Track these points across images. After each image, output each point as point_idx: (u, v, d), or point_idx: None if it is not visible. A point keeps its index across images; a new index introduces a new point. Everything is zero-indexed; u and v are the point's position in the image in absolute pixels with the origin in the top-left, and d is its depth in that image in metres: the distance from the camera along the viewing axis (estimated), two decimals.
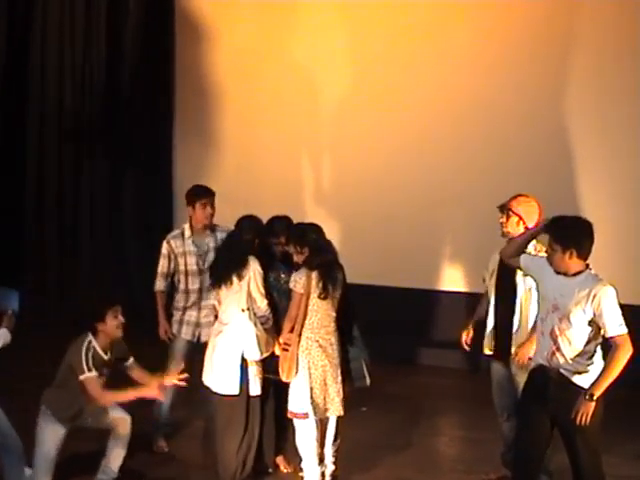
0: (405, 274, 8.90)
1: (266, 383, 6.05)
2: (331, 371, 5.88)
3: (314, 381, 5.86)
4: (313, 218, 6.40)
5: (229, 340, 5.97)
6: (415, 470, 6.46)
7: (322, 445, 6.00)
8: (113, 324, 5.74)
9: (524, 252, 5.30)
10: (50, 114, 9.98)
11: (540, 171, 8.48)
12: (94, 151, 10.00)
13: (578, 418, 4.80)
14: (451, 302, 8.83)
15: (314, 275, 5.86)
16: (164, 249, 6.67)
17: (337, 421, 6.01)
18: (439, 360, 8.84)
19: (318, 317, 5.89)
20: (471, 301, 8.54)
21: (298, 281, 5.87)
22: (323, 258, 5.91)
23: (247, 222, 6.14)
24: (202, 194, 6.65)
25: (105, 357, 5.78)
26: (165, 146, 9.97)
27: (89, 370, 5.64)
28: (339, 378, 5.91)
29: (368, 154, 9.21)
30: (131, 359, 5.94)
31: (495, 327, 5.99)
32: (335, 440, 6.04)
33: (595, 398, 4.80)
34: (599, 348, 4.98)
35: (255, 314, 5.97)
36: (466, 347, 6.24)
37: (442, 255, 8.94)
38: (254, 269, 5.95)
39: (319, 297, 5.86)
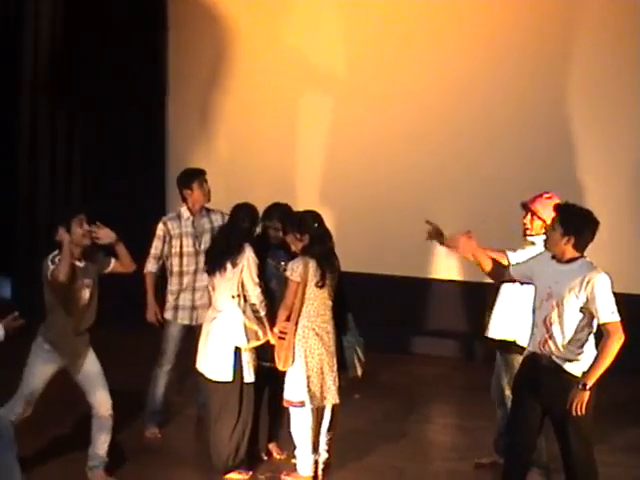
0: (398, 262, 8.88)
1: (261, 370, 6.05)
2: (327, 359, 5.89)
3: (311, 369, 5.87)
4: (306, 206, 6.37)
5: (222, 327, 5.98)
6: (408, 458, 6.47)
7: (317, 434, 6.01)
8: (79, 232, 5.70)
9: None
10: (41, 109, 9.90)
11: (533, 159, 8.49)
12: (86, 138, 9.93)
13: (573, 408, 4.81)
14: (444, 291, 8.84)
15: (312, 263, 5.86)
16: (159, 230, 6.65)
17: (333, 410, 6.02)
18: (432, 348, 8.85)
19: (315, 305, 5.89)
20: (465, 290, 8.62)
21: (295, 269, 5.86)
22: (323, 246, 5.92)
23: (243, 210, 6.13)
24: (198, 173, 6.69)
25: (80, 264, 5.74)
26: (158, 134, 9.93)
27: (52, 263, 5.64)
28: (335, 367, 5.92)
29: (361, 142, 9.17)
30: (112, 262, 5.94)
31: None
32: (330, 429, 6.04)
33: (588, 387, 4.81)
34: (592, 336, 4.99)
35: (246, 301, 5.97)
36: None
37: (435, 244, 8.90)
38: (248, 257, 5.95)
39: (316, 285, 5.85)
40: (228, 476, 6.04)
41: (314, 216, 6.01)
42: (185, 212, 6.66)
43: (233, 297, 5.97)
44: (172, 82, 9.88)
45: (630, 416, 7.28)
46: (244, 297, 5.99)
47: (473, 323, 7.82)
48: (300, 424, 5.95)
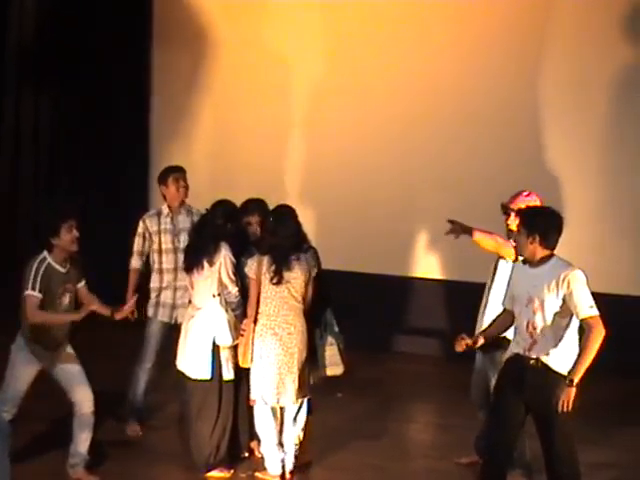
0: (381, 261, 8.91)
1: (239, 368, 6.05)
2: (286, 360, 5.83)
3: (265, 369, 5.85)
4: (289, 203, 6.36)
5: (201, 325, 5.98)
6: (388, 456, 6.49)
7: (280, 432, 6.00)
8: (67, 238, 5.68)
9: None
10: (26, 114, 9.86)
11: (519, 157, 8.53)
12: (70, 135, 9.89)
13: (560, 405, 4.83)
14: (426, 289, 8.87)
15: (265, 260, 5.85)
16: (139, 228, 6.70)
17: (299, 408, 5.98)
18: (414, 347, 8.88)
19: (274, 304, 5.85)
20: (448, 289, 8.66)
21: (250, 266, 5.87)
22: (274, 242, 5.85)
23: (220, 207, 6.12)
24: (173, 170, 6.74)
25: (63, 270, 5.74)
26: (142, 131, 9.91)
27: (32, 288, 5.61)
28: (295, 368, 5.84)
29: (344, 139, 9.18)
30: (83, 282, 5.92)
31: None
32: (296, 426, 6.00)
33: (575, 384, 4.84)
34: (575, 334, 5.02)
35: (226, 300, 5.97)
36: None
37: (418, 242, 8.95)
38: (225, 255, 5.93)
39: (271, 282, 5.82)
40: (210, 474, 6.04)
41: (280, 211, 5.98)
42: (165, 209, 6.71)
43: (214, 296, 5.97)
44: (156, 80, 9.88)
45: (615, 416, 7.32)
46: (224, 295, 5.99)
47: (454, 321, 7.86)
48: (260, 422, 5.97)
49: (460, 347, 5.24)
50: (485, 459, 5.40)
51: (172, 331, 6.56)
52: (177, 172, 6.70)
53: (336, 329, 6.17)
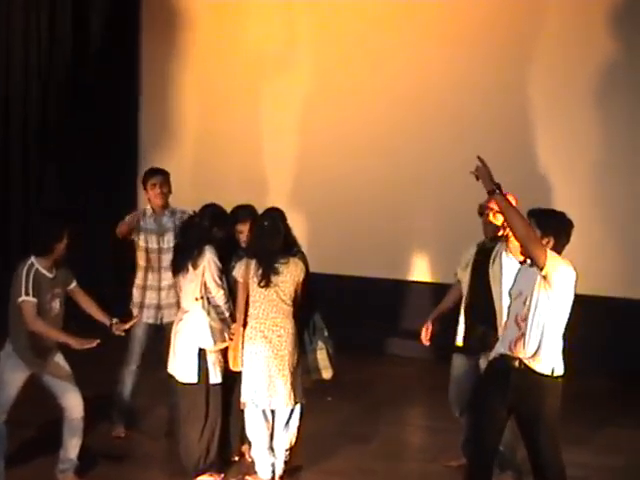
0: (371, 264, 8.92)
1: (230, 372, 6.03)
2: (276, 362, 5.82)
3: (255, 371, 5.84)
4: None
5: (187, 329, 5.98)
6: (378, 459, 6.49)
7: (271, 436, 5.99)
8: (65, 244, 5.72)
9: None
10: (15, 112, 9.83)
11: (505, 158, 8.52)
12: (59, 143, 9.88)
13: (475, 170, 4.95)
14: (416, 292, 8.87)
15: (253, 263, 5.85)
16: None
17: (291, 413, 5.97)
18: (404, 350, 8.86)
19: (263, 307, 5.85)
20: (436, 291, 8.63)
21: (238, 269, 5.87)
22: (261, 245, 5.85)
23: (207, 210, 6.12)
24: (151, 174, 6.76)
25: (50, 275, 5.73)
26: (130, 135, 9.91)
27: (26, 294, 5.60)
28: (286, 370, 5.83)
29: (333, 144, 9.21)
30: (74, 283, 5.91)
31: (468, 320, 6.00)
32: (288, 431, 5.99)
33: (495, 193, 4.90)
34: (560, 337, 5.02)
35: (210, 303, 5.97)
36: (425, 342, 6.20)
37: (408, 245, 8.96)
38: (209, 259, 5.92)
39: (259, 285, 5.82)
40: (199, 478, 6.01)
41: (271, 214, 5.97)
42: (148, 210, 6.75)
43: (197, 299, 5.96)
44: (145, 81, 9.93)
45: (596, 415, 7.35)
46: (208, 299, 5.98)
47: (445, 324, 7.85)
48: (250, 425, 5.96)
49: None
50: (469, 462, 5.40)
51: (158, 332, 6.59)
52: (155, 177, 6.71)
53: (325, 333, 6.15)
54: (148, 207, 6.76)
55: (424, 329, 6.20)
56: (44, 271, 5.71)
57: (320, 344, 6.10)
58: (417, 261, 8.85)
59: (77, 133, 9.78)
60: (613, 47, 8.31)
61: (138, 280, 6.73)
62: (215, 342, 5.95)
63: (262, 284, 5.81)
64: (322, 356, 6.10)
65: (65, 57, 9.85)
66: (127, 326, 5.94)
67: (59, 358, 5.83)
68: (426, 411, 7.75)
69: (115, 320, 5.86)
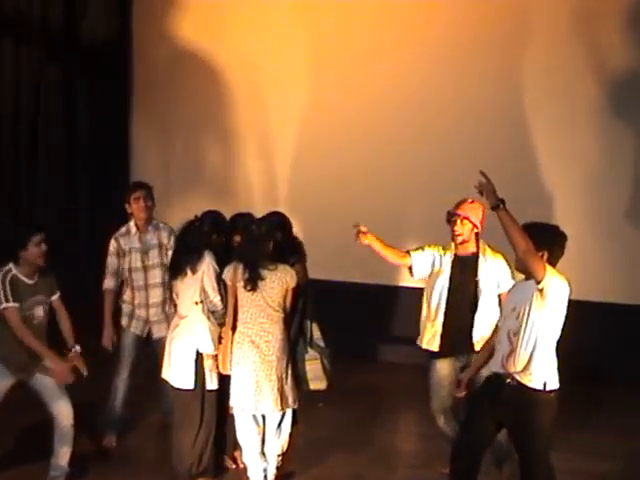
0: (366, 270, 8.89)
1: (226, 378, 6.01)
2: (263, 367, 5.81)
3: (243, 376, 5.84)
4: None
5: (184, 334, 5.97)
6: (370, 466, 6.48)
7: (263, 441, 5.98)
8: (35, 251, 5.68)
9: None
10: (5, 115, 9.81)
11: (502, 166, 8.51)
12: (49, 148, 9.86)
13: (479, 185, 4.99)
14: (410, 298, 8.81)
15: (241, 266, 5.84)
16: (112, 247, 6.69)
17: (282, 419, 5.96)
18: (398, 356, 8.85)
19: (251, 312, 5.84)
20: None
21: (226, 272, 5.88)
22: (248, 249, 5.85)
23: (208, 216, 6.12)
24: (133, 188, 6.71)
25: (30, 282, 5.73)
26: (122, 141, 9.90)
27: (7, 300, 5.60)
28: (274, 376, 5.81)
29: (328, 149, 9.21)
30: (57, 294, 5.91)
31: (446, 325, 6.03)
32: (279, 437, 5.98)
33: (500, 206, 4.90)
34: (553, 350, 5.04)
35: (209, 309, 5.96)
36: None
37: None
38: (208, 263, 5.93)
39: (245, 289, 5.81)
40: None
41: (273, 219, 6.04)
42: (132, 227, 6.69)
43: (197, 304, 5.95)
44: (136, 96, 9.94)
45: (580, 421, 7.34)
46: (207, 304, 5.97)
47: None
48: (241, 431, 5.95)
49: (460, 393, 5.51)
50: (451, 472, 5.35)
51: (145, 344, 6.60)
52: (139, 191, 6.66)
53: (322, 344, 6.14)
54: (132, 223, 6.69)
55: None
56: (24, 278, 5.71)
57: (313, 354, 6.08)
58: None
59: (69, 150, 9.76)
60: (619, 52, 8.34)
61: (126, 297, 6.73)
62: (215, 346, 5.95)
63: (248, 288, 5.81)
64: (312, 367, 6.08)
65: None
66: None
67: (47, 365, 5.79)
68: (419, 417, 7.64)
69: (75, 350, 5.86)
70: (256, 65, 9.39)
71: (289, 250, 6.13)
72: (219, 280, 5.96)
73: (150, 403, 6.77)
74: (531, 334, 4.96)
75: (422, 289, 9.00)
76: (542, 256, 4.98)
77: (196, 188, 9.22)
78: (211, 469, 6.08)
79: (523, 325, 4.96)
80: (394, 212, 8.94)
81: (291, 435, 6.03)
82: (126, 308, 6.72)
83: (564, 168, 8.54)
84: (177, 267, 6.01)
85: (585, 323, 7.46)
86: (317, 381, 6.11)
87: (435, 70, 8.82)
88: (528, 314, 4.96)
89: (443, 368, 6.06)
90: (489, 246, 6.10)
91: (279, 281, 5.84)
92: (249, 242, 5.88)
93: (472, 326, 5.97)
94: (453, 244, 6.11)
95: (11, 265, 5.73)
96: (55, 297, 5.91)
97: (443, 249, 6.16)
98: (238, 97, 9.47)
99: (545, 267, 4.91)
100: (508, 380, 5.01)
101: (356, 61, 9.07)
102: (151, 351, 6.59)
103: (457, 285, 6.03)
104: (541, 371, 4.97)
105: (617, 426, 7.32)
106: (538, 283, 4.89)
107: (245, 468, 6.09)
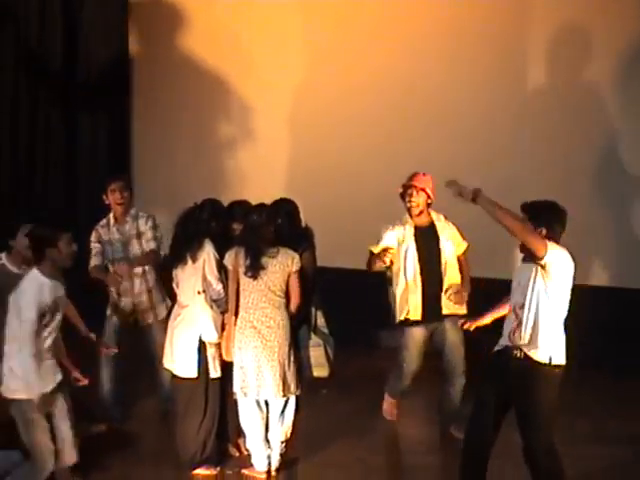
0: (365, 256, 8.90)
1: (228, 365, 6.01)
2: (265, 353, 5.81)
3: (244, 361, 5.84)
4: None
5: (186, 323, 5.96)
6: (375, 451, 6.49)
7: (266, 428, 5.99)
8: (67, 251, 5.43)
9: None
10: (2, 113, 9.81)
11: (498, 156, 8.56)
12: (49, 152, 9.85)
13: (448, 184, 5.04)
14: None
15: (242, 252, 5.84)
16: (93, 237, 6.76)
17: (285, 405, 5.97)
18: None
19: (252, 297, 5.85)
20: None
21: (227, 257, 5.88)
22: (249, 235, 5.85)
23: (207, 204, 6.12)
24: (109, 181, 6.74)
25: (50, 283, 5.42)
26: (123, 131, 9.91)
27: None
28: (275, 362, 5.81)
29: (331, 138, 9.17)
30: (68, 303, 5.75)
31: (423, 293, 6.43)
32: (283, 424, 5.99)
33: (475, 198, 4.93)
34: (560, 323, 5.06)
35: (211, 297, 5.95)
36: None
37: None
38: (209, 252, 5.92)
39: (245, 275, 5.81)
40: (196, 471, 6.03)
41: (281, 205, 6.10)
42: (111, 219, 6.73)
43: (199, 293, 5.95)
44: (136, 78, 9.93)
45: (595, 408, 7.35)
46: (209, 292, 5.96)
47: None
48: (244, 417, 5.96)
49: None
50: (463, 455, 5.35)
51: (131, 333, 6.63)
52: (115, 183, 6.69)
53: (326, 331, 6.16)
54: (111, 215, 6.72)
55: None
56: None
57: (316, 341, 6.10)
58: None
59: (70, 147, 9.74)
60: (613, 49, 8.29)
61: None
62: (219, 335, 5.95)
63: (248, 274, 5.81)
64: (317, 354, 6.10)
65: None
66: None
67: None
68: (424, 403, 7.70)
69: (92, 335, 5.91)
70: (254, 59, 9.41)
71: (298, 237, 6.15)
72: (220, 268, 5.96)
73: (147, 390, 6.75)
74: (537, 308, 4.98)
75: None
76: (540, 233, 4.98)
77: (198, 178, 9.24)
78: (215, 456, 6.09)
79: (528, 298, 4.99)
80: (397, 198, 8.92)
81: (294, 422, 6.03)
82: (111, 298, 6.73)
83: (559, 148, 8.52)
84: (177, 255, 6.00)
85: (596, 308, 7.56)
86: (320, 368, 6.12)
87: (426, 63, 8.81)
88: (532, 288, 4.98)
89: (418, 335, 6.49)
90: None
91: (280, 265, 5.85)
92: (250, 229, 5.87)
93: (441, 292, 6.42)
94: (409, 217, 6.49)
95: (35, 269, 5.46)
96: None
97: (401, 224, 6.51)
98: (236, 90, 9.50)
99: (545, 244, 4.90)
100: (515, 352, 5.03)
101: (358, 54, 9.05)
102: (141, 339, 6.62)
103: (425, 255, 6.47)
104: (547, 345, 4.99)
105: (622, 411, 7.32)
106: (540, 259, 4.89)
107: (249, 455, 6.10)
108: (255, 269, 5.79)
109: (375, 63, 8.97)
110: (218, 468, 6.09)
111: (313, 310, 6.19)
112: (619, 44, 8.24)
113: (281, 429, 6.00)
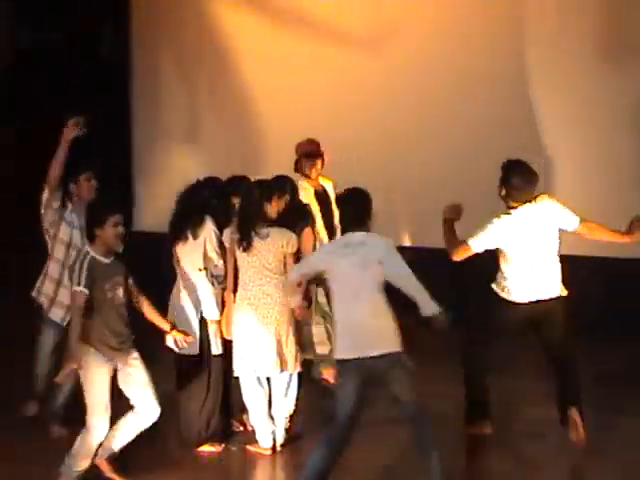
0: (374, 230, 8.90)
1: (230, 342, 6.02)
2: (262, 329, 5.82)
3: (243, 339, 5.85)
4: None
5: (187, 300, 5.97)
6: (381, 425, 6.46)
7: (270, 404, 5.99)
8: (111, 232, 5.43)
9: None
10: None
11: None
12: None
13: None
14: (421, 259, 8.79)
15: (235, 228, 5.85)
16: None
17: (289, 381, 5.98)
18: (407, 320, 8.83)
19: (248, 274, 5.84)
20: (436, 257, 8.66)
21: (225, 235, 5.90)
22: (245, 211, 5.85)
23: (207, 181, 6.16)
24: (85, 168, 6.45)
25: (107, 261, 5.49)
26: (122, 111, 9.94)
27: (78, 284, 5.36)
28: (273, 338, 5.82)
29: (332, 130, 9.01)
30: (130, 278, 5.65)
31: None
32: (287, 401, 6.01)
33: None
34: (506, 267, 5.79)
35: (212, 274, 5.93)
36: None
37: (405, 212, 8.96)
38: (210, 229, 5.93)
39: (239, 250, 5.81)
40: (200, 449, 6.06)
41: (276, 182, 6.12)
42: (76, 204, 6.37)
43: (200, 270, 5.96)
44: (136, 73, 9.95)
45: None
46: (210, 269, 5.98)
47: (451, 290, 7.80)
48: (247, 394, 5.96)
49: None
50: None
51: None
52: (88, 171, 6.40)
53: (326, 309, 6.17)
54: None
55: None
56: (100, 258, 5.47)
57: (317, 318, 6.10)
58: (415, 227, 8.81)
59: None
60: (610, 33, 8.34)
61: (52, 273, 6.34)
62: (219, 312, 5.96)
63: (241, 249, 5.80)
64: (318, 331, 6.11)
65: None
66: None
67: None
68: (429, 377, 7.62)
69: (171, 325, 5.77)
70: (257, 48, 9.46)
71: (296, 215, 6.13)
72: (221, 244, 5.95)
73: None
74: None
75: (433, 249, 9.05)
76: (500, 192, 5.73)
77: (197, 166, 9.25)
78: (219, 434, 6.11)
79: None
80: (393, 176, 8.92)
81: (298, 398, 6.03)
82: (48, 287, 6.36)
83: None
84: (178, 232, 5.99)
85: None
86: (322, 345, 6.13)
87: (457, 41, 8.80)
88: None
89: None
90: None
91: (274, 245, 5.84)
92: (245, 204, 5.86)
93: None
94: (305, 182, 6.77)
95: (87, 248, 5.52)
96: (131, 281, 5.66)
97: (303, 188, 6.65)
98: (241, 74, 9.57)
99: (468, 246, 5.71)
100: None
101: (364, 37, 9.10)
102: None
103: (324, 217, 6.74)
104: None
105: None
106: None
107: (253, 431, 6.13)
108: (246, 243, 5.78)
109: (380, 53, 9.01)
110: (222, 445, 6.11)
111: (314, 287, 6.17)
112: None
113: (285, 405, 6.00)
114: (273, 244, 5.82)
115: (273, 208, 5.96)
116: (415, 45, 8.86)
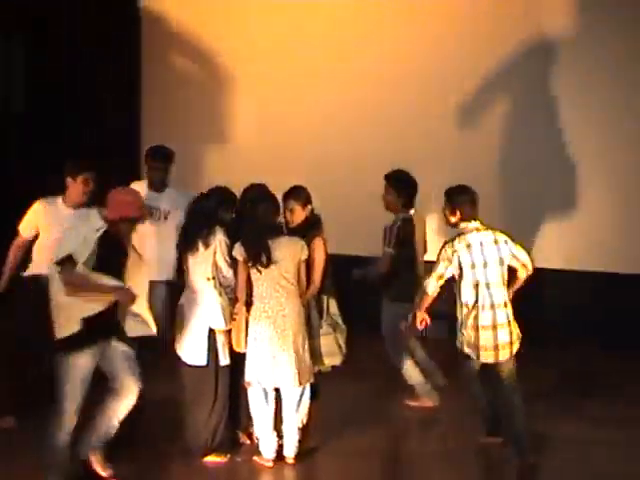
0: (373, 243, 8.85)
1: (238, 352, 5.95)
2: (280, 342, 5.79)
3: (260, 352, 5.81)
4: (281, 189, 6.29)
5: (196, 310, 5.91)
6: (393, 439, 6.48)
7: (279, 418, 5.94)
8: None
9: None
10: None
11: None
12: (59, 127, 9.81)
13: None
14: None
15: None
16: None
17: (302, 394, 5.91)
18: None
19: (265, 286, 5.81)
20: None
21: (237, 248, 5.82)
22: (247, 225, 5.82)
23: (215, 192, 6.07)
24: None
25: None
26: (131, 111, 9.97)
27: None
28: (291, 350, 5.79)
29: (335, 124, 9.30)
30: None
31: None
32: (299, 413, 5.93)
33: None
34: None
35: (221, 284, 5.88)
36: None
37: None
38: (220, 239, 5.87)
39: (254, 266, 5.78)
40: (206, 459, 5.98)
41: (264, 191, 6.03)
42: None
43: (208, 279, 5.89)
44: (145, 67, 10.02)
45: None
46: (219, 279, 5.90)
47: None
48: (252, 405, 5.92)
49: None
50: None
51: None
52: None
53: (339, 320, 6.11)
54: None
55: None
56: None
57: (326, 329, 6.04)
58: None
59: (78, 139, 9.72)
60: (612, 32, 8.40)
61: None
62: (226, 323, 5.89)
63: (250, 264, 5.77)
64: (326, 342, 6.04)
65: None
66: None
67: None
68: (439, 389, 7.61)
69: None
70: (258, 46, 9.52)
71: (307, 224, 6.10)
72: (231, 254, 5.89)
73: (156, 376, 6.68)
74: None
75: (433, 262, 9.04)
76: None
77: (205, 164, 9.23)
78: (225, 444, 6.03)
79: None
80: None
81: (310, 409, 5.98)
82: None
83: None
84: (188, 241, 5.92)
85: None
86: (331, 356, 6.06)
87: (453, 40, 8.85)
88: None
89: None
90: None
91: (290, 252, 5.82)
92: (253, 220, 5.82)
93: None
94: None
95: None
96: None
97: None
98: (243, 73, 9.61)
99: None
100: None
101: (363, 38, 9.16)
102: None
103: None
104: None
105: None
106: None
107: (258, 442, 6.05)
108: (256, 258, 5.75)
109: (381, 50, 9.07)
110: (229, 456, 6.03)
111: (324, 298, 6.11)
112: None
113: (297, 417, 5.94)
114: (289, 252, 5.81)
115: (297, 217, 6.01)
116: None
